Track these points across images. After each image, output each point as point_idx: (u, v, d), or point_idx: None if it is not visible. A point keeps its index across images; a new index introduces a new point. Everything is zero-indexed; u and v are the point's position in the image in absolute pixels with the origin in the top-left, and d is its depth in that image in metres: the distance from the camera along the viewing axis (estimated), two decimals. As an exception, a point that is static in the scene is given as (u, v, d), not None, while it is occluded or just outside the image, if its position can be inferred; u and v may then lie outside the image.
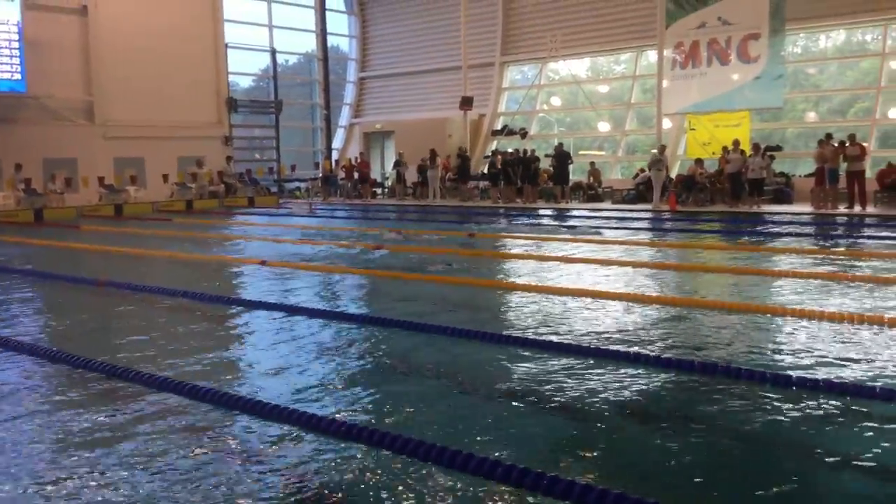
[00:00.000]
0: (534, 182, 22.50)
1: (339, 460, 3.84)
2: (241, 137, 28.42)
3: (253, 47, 28.72)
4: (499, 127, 27.64)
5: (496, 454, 3.72)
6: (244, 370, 5.58)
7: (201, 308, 7.87)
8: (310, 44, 31.08)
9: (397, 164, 25.65)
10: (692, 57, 21.46)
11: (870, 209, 17.42)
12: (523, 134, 26.34)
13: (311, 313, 7.27)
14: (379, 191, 27.79)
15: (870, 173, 18.76)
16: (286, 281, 9.55)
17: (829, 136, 18.19)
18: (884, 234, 13.48)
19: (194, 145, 25.60)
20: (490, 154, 25.53)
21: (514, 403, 4.66)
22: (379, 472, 3.68)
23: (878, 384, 4.75)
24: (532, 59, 27.14)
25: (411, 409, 4.58)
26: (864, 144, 18.40)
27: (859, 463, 3.72)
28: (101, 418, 4.47)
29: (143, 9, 24.29)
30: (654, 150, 20.00)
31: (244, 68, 29.22)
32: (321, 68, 30.42)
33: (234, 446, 4.04)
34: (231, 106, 27.04)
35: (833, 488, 3.49)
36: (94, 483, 3.60)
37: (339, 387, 5.08)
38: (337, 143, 31.69)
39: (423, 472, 3.63)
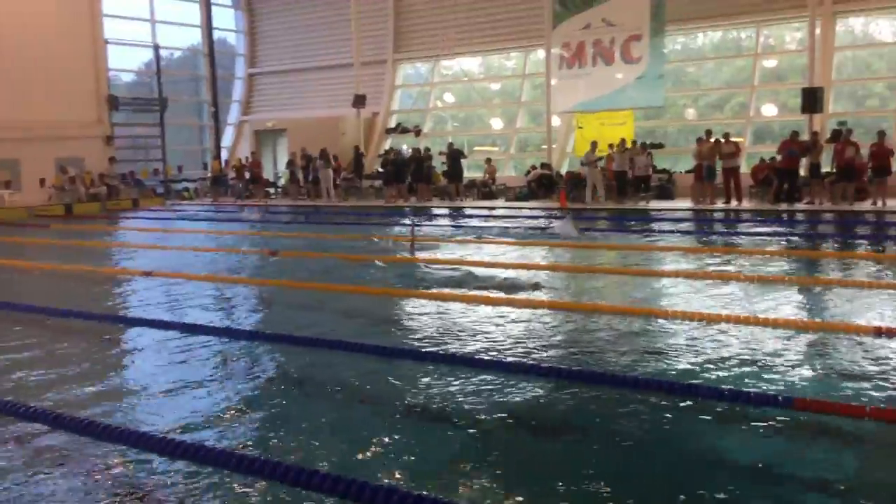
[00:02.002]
0: (427, 181, 22.54)
1: (226, 493, 3.72)
2: (123, 137, 27.21)
3: (134, 43, 27.56)
4: (393, 125, 27.57)
5: (394, 477, 3.69)
6: (121, 396, 5.33)
7: (70, 325, 7.47)
8: (195, 38, 30.08)
9: (290, 164, 25.18)
10: (578, 57, 22.00)
11: (745, 203, 18.35)
12: (417, 132, 26.40)
13: (198, 329, 7.00)
14: (272, 191, 27.19)
15: (746, 168, 19.77)
16: (173, 293, 9.19)
17: (708, 133, 19.08)
18: (756, 229, 14.24)
19: (74, 146, 24.38)
20: (384, 153, 25.44)
21: (411, 420, 4.65)
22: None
23: (764, 388, 4.99)
24: (425, 56, 27.19)
25: (302, 434, 4.48)
26: (739, 141, 19.33)
27: (744, 464, 3.90)
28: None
29: (11, 2, 22.90)
30: (588, 150, 20.18)
31: (125, 64, 28.04)
32: (207, 64, 29.50)
33: (109, 478, 3.85)
34: (112, 104, 25.86)
35: (731, 492, 3.64)
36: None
37: (227, 412, 4.92)
38: (226, 141, 30.82)
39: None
